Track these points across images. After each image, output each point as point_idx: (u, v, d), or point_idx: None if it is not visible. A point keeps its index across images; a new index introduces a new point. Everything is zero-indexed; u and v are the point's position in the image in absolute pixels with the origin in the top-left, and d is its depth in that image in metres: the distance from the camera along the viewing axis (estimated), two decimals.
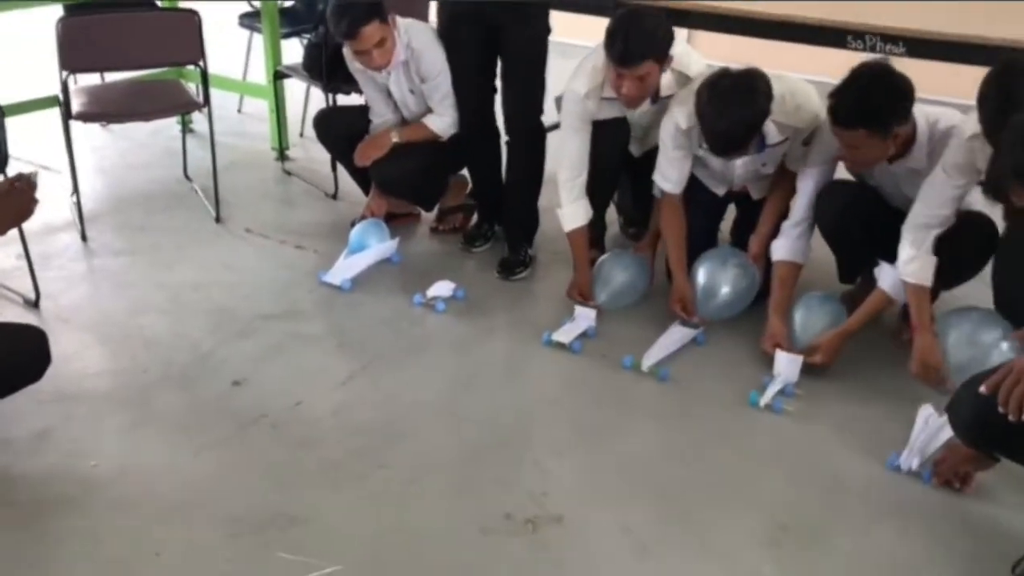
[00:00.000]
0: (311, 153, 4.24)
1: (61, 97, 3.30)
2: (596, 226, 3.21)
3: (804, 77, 2.84)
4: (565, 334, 2.83)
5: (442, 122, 3.27)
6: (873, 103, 2.46)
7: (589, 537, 2.07)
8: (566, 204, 3.02)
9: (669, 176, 2.93)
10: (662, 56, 2.74)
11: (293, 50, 4.43)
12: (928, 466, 2.25)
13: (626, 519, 2.12)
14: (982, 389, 1.82)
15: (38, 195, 2.18)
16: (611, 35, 2.72)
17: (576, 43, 3.92)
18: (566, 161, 3.01)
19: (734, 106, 2.56)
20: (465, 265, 3.35)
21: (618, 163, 3.15)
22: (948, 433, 2.29)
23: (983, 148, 2.36)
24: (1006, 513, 2.14)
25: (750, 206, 3.10)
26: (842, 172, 2.87)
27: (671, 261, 3.00)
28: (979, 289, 2.72)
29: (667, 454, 2.36)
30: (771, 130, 2.75)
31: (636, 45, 2.69)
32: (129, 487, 2.18)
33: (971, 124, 2.42)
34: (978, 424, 1.96)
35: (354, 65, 3.27)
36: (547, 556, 2.01)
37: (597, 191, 3.09)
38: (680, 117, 2.78)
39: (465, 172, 3.56)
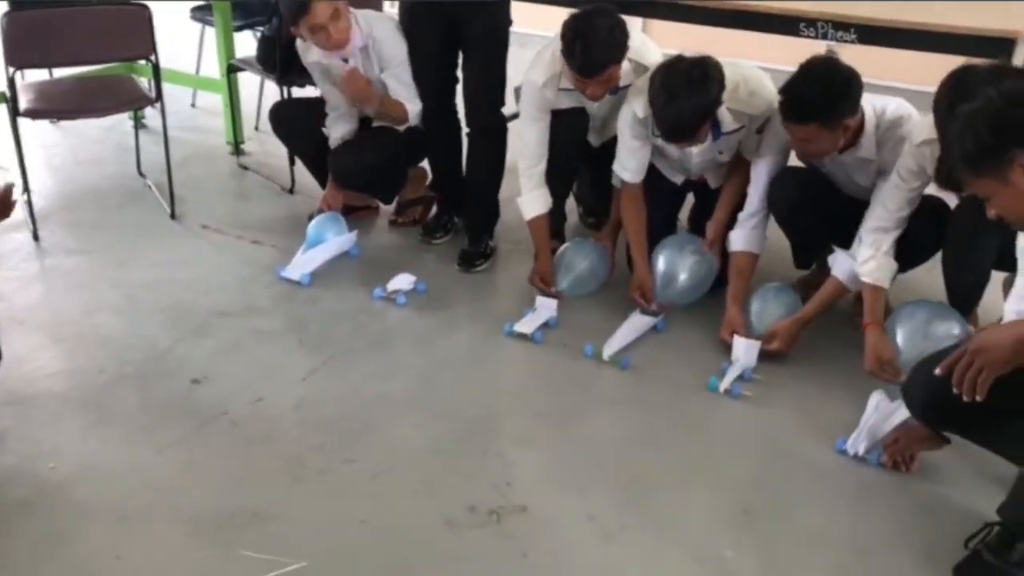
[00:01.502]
0: (267, 147, 4.20)
1: (8, 94, 3.24)
2: (556, 216, 3.23)
3: (759, 64, 2.87)
4: (527, 325, 2.84)
5: (414, 108, 3.23)
6: (823, 98, 2.49)
7: (554, 525, 2.08)
8: (526, 192, 3.04)
9: (628, 166, 2.95)
10: (622, 56, 2.76)
11: (246, 43, 4.38)
12: (877, 449, 2.30)
13: (590, 506, 2.14)
14: (937, 371, 1.86)
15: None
16: (569, 44, 2.72)
17: (535, 32, 3.94)
18: (525, 150, 3.02)
19: (686, 94, 2.58)
20: (425, 258, 3.34)
21: (577, 152, 3.17)
22: (899, 418, 2.34)
23: (932, 153, 2.44)
24: (958, 492, 2.19)
25: (708, 194, 3.13)
26: (795, 160, 2.92)
27: (632, 250, 3.02)
28: (932, 282, 2.78)
29: (629, 441, 2.39)
30: (726, 118, 2.77)
31: (596, 55, 2.71)
32: (89, 489, 2.15)
33: (921, 128, 2.50)
34: (932, 404, 2.00)
35: (308, 58, 3.24)
36: (512, 546, 2.02)
37: (556, 180, 3.11)
38: (637, 107, 2.80)
39: (424, 164, 3.55)
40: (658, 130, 2.74)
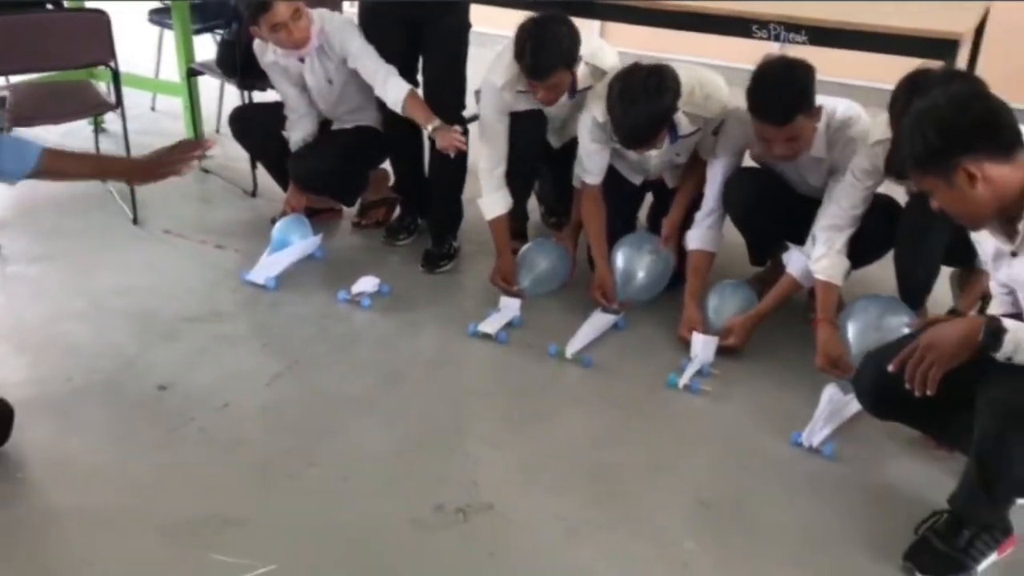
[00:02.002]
0: (228, 150, 4.17)
1: None
2: (518, 216, 3.28)
3: (714, 63, 2.94)
4: (491, 325, 2.88)
5: (397, 82, 3.13)
6: (795, 90, 2.57)
7: (520, 523, 2.13)
8: (487, 194, 3.09)
9: (588, 168, 3.01)
10: (571, 62, 2.82)
11: (206, 46, 4.37)
12: (830, 441, 2.37)
13: (555, 503, 2.19)
14: (890, 368, 1.92)
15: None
16: (519, 48, 2.79)
17: (496, 32, 3.97)
18: (485, 151, 3.06)
19: (642, 102, 2.64)
20: (389, 260, 3.37)
21: (536, 154, 3.22)
22: (851, 411, 2.43)
23: (886, 153, 2.52)
24: (908, 482, 2.27)
25: (666, 193, 3.20)
26: (748, 161, 3.00)
27: (593, 250, 3.08)
28: (884, 276, 2.87)
29: (592, 438, 2.44)
30: (682, 121, 2.84)
31: (545, 58, 2.77)
32: (58, 497, 2.17)
33: (875, 129, 2.58)
34: (881, 395, 2.08)
35: (265, 59, 3.26)
36: (479, 544, 2.06)
37: (517, 181, 3.16)
38: (597, 111, 2.86)
39: (387, 166, 3.58)
40: (616, 137, 2.80)
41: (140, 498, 2.17)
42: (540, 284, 3.10)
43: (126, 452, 2.32)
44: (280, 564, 1.99)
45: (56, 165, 2.21)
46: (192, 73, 4.06)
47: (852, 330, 2.65)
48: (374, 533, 2.09)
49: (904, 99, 2.30)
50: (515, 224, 3.23)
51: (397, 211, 3.61)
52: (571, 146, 3.11)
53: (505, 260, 3.10)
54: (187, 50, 4.11)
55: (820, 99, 2.67)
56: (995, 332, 1.75)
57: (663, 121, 2.73)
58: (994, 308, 2.09)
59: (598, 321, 2.92)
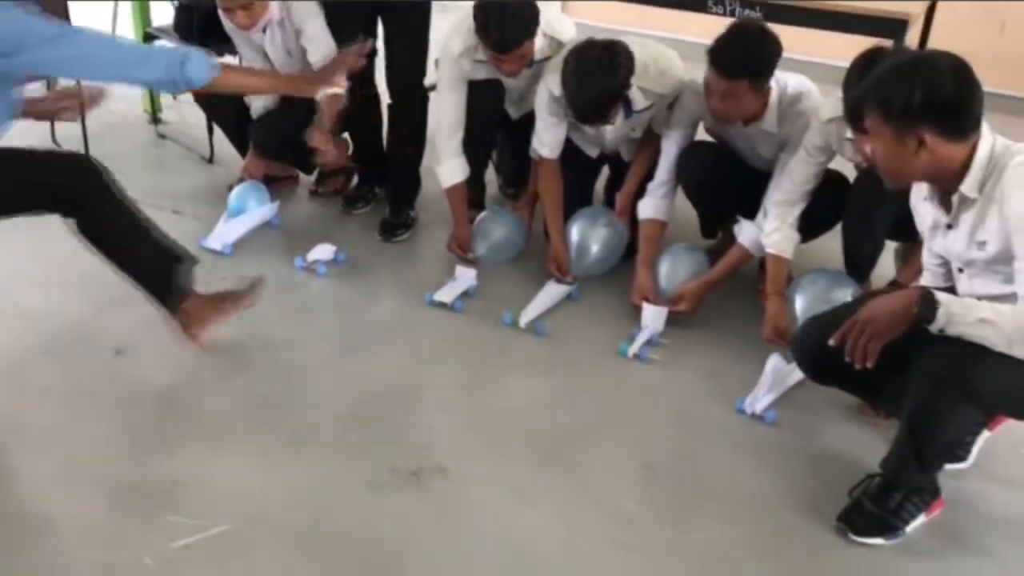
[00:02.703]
0: (185, 116, 4.18)
1: None
2: (475, 186, 3.31)
3: (672, 37, 2.97)
4: (447, 294, 2.92)
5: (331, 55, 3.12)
6: (756, 55, 2.62)
7: (471, 486, 2.19)
8: (444, 161, 3.12)
9: (546, 142, 3.05)
10: (534, 32, 2.85)
11: (163, 11, 4.32)
12: (772, 408, 2.45)
13: (505, 466, 2.25)
14: (830, 342, 1.98)
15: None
16: (483, 24, 2.81)
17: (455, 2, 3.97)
18: (443, 120, 3.09)
19: (595, 78, 2.68)
20: (346, 228, 3.39)
21: (494, 123, 3.25)
22: (794, 379, 2.52)
23: (838, 130, 2.58)
24: (845, 447, 2.36)
25: (623, 166, 3.25)
26: (702, 135, 3.05)
27: (549, 223, 3.12)
28: (831, 249, 2.95)
29: (543, 404, 2.50)
30: (637, 97, 2.88)
31: (510, 34, 2.80)
32: (11, 459, 2.19)
33: (828, 106, 2.63)
34: (819, 361, 2.15)
35: (229, 25, 3.25)
36: (431, 505, 2.12)
37: (474, 151, 3.19)
38: (553, 85, 2.89)
39: (346, 134, 3.59)
40: (570, 112, 2.84)
41: (94, 460, 2.20)
42: (496, 253, 3.14)
43: (81, 415, 2.34)
44: (233, 525, 2.02)
45: (232, 78, 2.44)
46: (148, 38, 4.02)
47: (800, 303, 2.72)
48: (328, 494, 2.14)
49: (859, 76, 2.36)
50: (473, 194, 3.27)
51: (355, 180, 3.62)
52: (529, 117, 3.14)
53: (462, 228, 3.14)
54: (144, 15, 4.07)
55: (775, 76, 2.73)
56: (929, 305, 1.82)
57: (616, 97, 2.77)
58: (925, 280, 2.17)
59: (552, 291, 2.97)
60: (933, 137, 1.83)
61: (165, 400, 2.42)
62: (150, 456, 2.22)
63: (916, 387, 1.91)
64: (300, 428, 2.35)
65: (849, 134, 2.53)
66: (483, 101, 3.12)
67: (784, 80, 2.79)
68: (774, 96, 2.75)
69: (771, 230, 2.75)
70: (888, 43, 2.74)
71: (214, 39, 3.46)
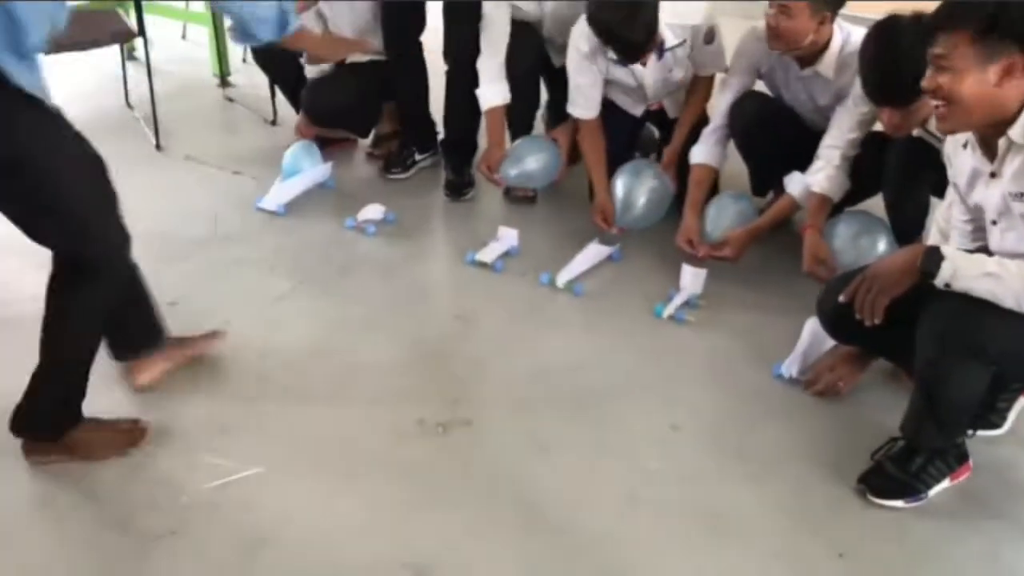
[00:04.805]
0: (254, 79, 4.29)
1: None
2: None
3: None
4: (488, 254, 2.97)
5: None
6: None
7: (496, 438, 2.24)
8: (484, 84, 3.17)
9: (580, 103, 3.08)
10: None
11: None
12: (810, 372, 2.44)
13: (531, 422, 2.30)
14: (841, 298, 1.99)
15: None
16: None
17: None
18: (486, 43, 3.13)
19: (628, 9, 2.68)
20: (398, 189, 3.47)
21: (533, 67, 3.28)
22: (831, 343, 2.48)
23: None
24: (873, 410, 2.33)
25: (670, 125, 3.24)
26: (760, 87, 3.03)
27: (593, 179, 3.14)
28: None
29: (574, 363, 2.53)
30: (666, 34, 2.88)
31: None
32: None
33: None
34: (840, 320, 2.13)
35: None
36: (455, 456, 2.18)
37: (520, 106, 3.24)
38: (580, 40, 2.90)
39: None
40: (612, 49, 2.83)
41: (139, 404, 2.32)
42: (525, 179, 3.18)
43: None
44: (267, 467, 2.12)
45: (302, 40, 2.48)
46: None
47: (833, 242, 2.71)
48: (357, 442, 2.22)
49: (875, 49, 2.32)
50: None
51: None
52: None
53: (494, 149, 3.21)
54: None
55: (841, 23, 2.73)
56: (934, 259, 1.79)
57: (649, 20, 2.73)
58: (953, 239, 2.12)
59: (592, 252, 2.99)
60: (1020, 64, 1.73)
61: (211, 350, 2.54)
62: (192, 402, 2.34)
63: (921, 343, 1.89)
64: (336, 379, 2.43)
65: None
66: (522, 43, 3.14)
67: (849, 31, 2.75)
68: (837, 42, 2.73)
69: (817, 170, 2.75)
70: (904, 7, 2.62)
71: None
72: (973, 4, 1.76)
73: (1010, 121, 1.81)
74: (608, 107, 3.12)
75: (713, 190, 3.08)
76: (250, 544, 1.92)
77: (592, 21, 2.77)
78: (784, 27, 2.68)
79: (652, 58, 2.87)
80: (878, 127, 2.71)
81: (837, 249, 2.68)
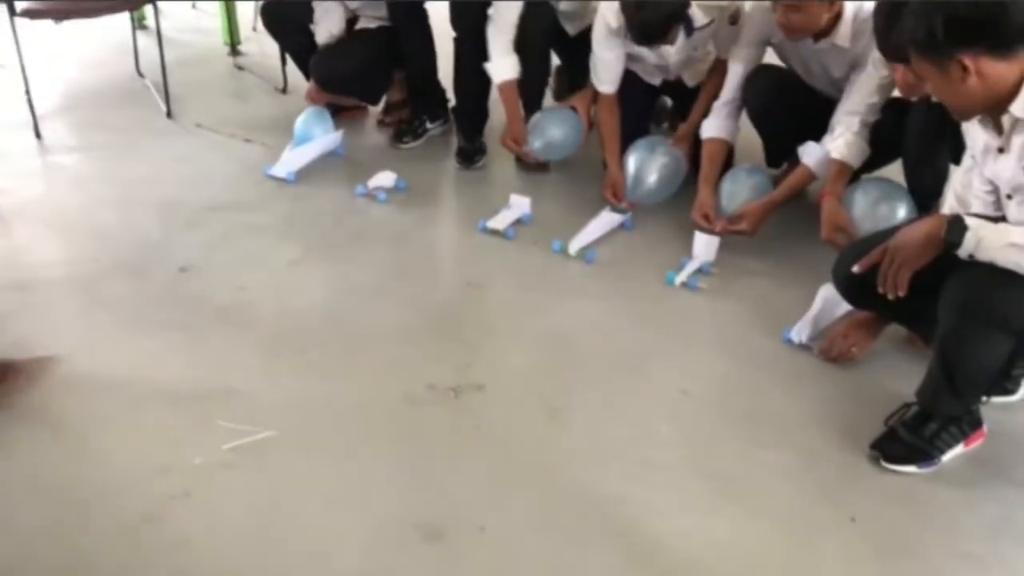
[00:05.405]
0: (264, 48, 4.29)
1: None
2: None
3: None
4: (500, 221, 2.96)
5: None
6: None
7: (506, 402, 2.24)
8: (495, 58, 3.15)
9: (604, 78, 3.06)
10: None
11: None
12: (820, 338, 2.42)
13: (542, 386, 2.30)
14: (854, 269, 1.98)
15: None
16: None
17: None
18: (497, 16, 3.12)
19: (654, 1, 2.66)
20: (408, 156, 3.46)
21: (545, 44, 3.27)
22: (842, 310, 2.47)
23: None
24: (885, 376, 2.32)
25: (684, 95, 3.22)
26: (771, 58, 2.99)
27: (606, 153, 3.13)
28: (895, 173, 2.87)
29: (585, 329, 2.53)
30: (697, 14, 2.85)
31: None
32: (79, 364, 2.32)
33: None
34: (856, 287, 2.12)
35: None
36: (466, 420, 2.18)
37: (528, 74, 3.20)
38: (610, 16, 2.87)
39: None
40: (630, 34, 2.81)
41: (154, 368, 2.32)
42: (551, 150, 3.17)
43: (144, 326, 2.48)
44: (279, 430, 2.13)
45: None
46: None
47: (852, 209, 2.68)
48: (370, 406, 2.22)
49: (885, 18, 2.29)
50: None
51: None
52: (587, 33, 3.11)
53: (515, 122, 3.20)
54: None
55: None
56: (957, 229, 1.78)
57: (675, 16, 2.74)
58: (975, 208, 2.10)
59: (605, 220, 2.98)
60: (974, 60, 1.76)
61: (223, 315, 2.53)
62: (206, 366, 2.34)
63: (943, 313, 1.87)
64: (348, 344, 2.43)
65: None
66: (534, 25, 3.12)
67: None
68: (849, 11, 2.69)
69: (836, 136, 2.72)
70: None
71: None
72: (906, 30, 1.85)
73: (1010, 98, 1.81)
74: (626, 76, 3.10)
75: (729, 162, 3.06)
76: (263, 505, 1.93)
77: (621, 7, 2.75)
78: (797, 22, 2.66)
79: (680, 37, 2.86)
80: (897, 93, 2.68)
81: (856, 216, 2.65)
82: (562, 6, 3.19)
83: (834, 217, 2.65)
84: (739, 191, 2.90)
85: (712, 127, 2.97)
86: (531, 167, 3.34)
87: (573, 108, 3.24)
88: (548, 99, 3.56)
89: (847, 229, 2.61)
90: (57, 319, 2.51)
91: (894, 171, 2.86)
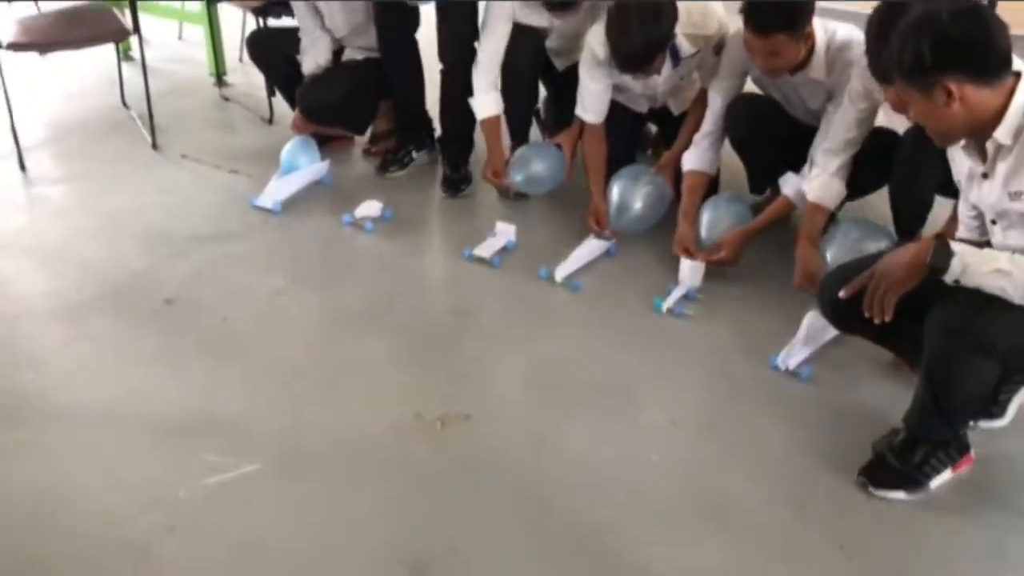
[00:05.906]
0: (250, 78, 4.30)
1: None
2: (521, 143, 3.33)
3: None
4: (486, 249, 2.96)
5: None
6: (786, 7, 2.57)
7: (494, 433, 2.23)
8: (478, 95, 3.17)
9: (590, 108, 3.07)
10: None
11: None
12: (807, 365, 2.43)
13: (530, 416, 2.28)
14: (841, 294, 1.98)
15: None
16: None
17: None
18: (482, 56, 3.14)
19: (639, 26, 2.67)
20: (394, 186, 3.46)
21: (531, 77, 3.28)
22: (829, 335, 2.47)
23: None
24: (873, 401, 2.32)
25: (669, 123, 3.24)
26: (751, 87, 3.01)
27: (591, 183, 3.13)
28: (881, 211, 2.87)
29: (572, 357, 2.52)
30: (683, 44, 2.87)
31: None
32: (63, 397, 2.31)
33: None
34: (841, 311, 2.11)
35: None
36: (453, 450, 2.17)
37: (515, 105, 3.22)
38: (597, 47, 2.89)
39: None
40: (614, 62, 2.83)
41: (139, 401, 2.31)
42: (532, 184, 3.17)
43: (128, 358, 2.46)
44: (264, 463, 2.11)
45: None
46: (213, 0, 4.13)
47: (831, 252, 2.67)
48: (355, 436, 2.20)
49: (878, 22, 2.30)
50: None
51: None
52: (575, 68, 3.12)
53: (495, 155, 3.23)
54: None
55: (821, 22, 2.68)
56: (943, 254, 1.78)
57: (660, 47, 2.76)
58: (960, 234, 2.11)
59: (590, 247, 2.98)
60: (959, 85, 1.78)
61: (207, 346, 2.52)
62: (190, 398, 2.32)
63: (930, 338, 1.88)
64: (333, 374, 2.42)
65: None
66: (521, 48, 3.14)
67: (833, 28, 2.73)
68: (821, 43, 2.70)
69: (813, 176, 2.72)
70: None
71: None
72: (893, 54, 1.86)
73: (993, 124, 1.83)
74: (613, 105, 3.11)
75: (714, 190, 3.07)
76: (248, 540, 1.90)
77: (606, 35, 2.77)
78: (775, 64, 2.67)
79: (667, 66, 2.88)
80: (881, 121, 2.70)
81: (836, 258, 2.63)
82: (550, 42, 3.21)
83: (807, 264, 2.65)
84: (719, 220, 2.91)
85: (692, 159, 2.99)
86: (515, 195, 3.34)
87: (558, 145, 3.25)
88: (535, 134, 3.57)
89: (818, 278, 2.59)
90: (41, 351, 2.49)
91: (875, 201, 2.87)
